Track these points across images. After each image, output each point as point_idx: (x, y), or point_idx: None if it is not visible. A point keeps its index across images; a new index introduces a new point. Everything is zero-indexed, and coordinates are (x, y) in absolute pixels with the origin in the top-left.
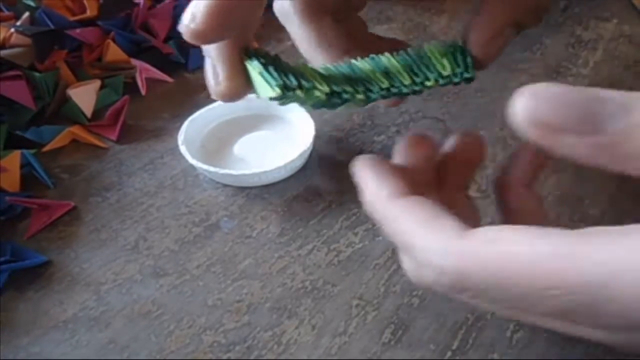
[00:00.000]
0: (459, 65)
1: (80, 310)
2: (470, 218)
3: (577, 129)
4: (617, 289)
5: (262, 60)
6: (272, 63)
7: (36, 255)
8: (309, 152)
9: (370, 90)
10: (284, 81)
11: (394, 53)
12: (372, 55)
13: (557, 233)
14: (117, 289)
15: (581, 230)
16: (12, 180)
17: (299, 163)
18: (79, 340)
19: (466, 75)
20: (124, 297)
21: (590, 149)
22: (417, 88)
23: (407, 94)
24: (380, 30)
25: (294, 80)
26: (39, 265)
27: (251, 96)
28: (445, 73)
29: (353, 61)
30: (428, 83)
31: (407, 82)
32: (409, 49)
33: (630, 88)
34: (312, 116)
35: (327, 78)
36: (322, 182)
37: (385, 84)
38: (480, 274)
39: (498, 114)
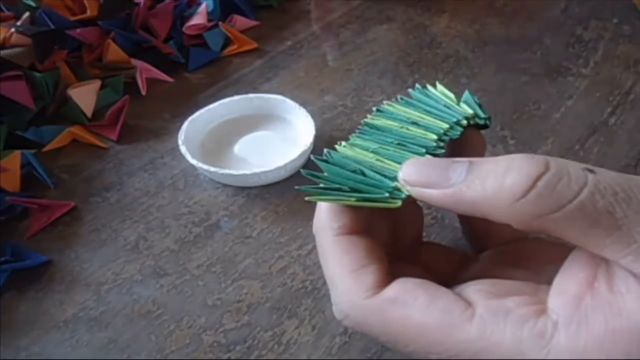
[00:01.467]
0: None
1: (80, 310)
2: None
3: (433, 184)
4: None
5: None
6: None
7: (36, 255)
8: (309, 152)
9: (431, 148)
10: (387, 190)
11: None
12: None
13: (447, 301)
14: (117, 289)
15: (467, 303)
16: (12, 180)
17: (300, 163)
18: (79, 340)
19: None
20: (124, 297)
21: (443, 197)
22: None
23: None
24: (380, 30)
25: (387, 182)
26: (40, 265)
27: (251, 96)
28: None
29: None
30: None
31: (445, 127)
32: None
33: (630, 88)
34: (313, 116)
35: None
36: None
37: (433, 136)
38: (378, 328)
39: (498, 114)
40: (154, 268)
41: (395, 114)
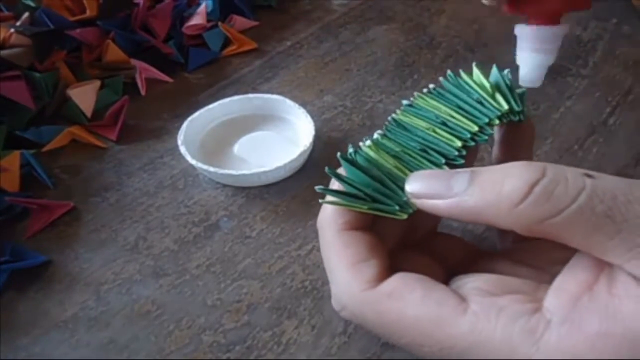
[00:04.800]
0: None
1: (80, 310)
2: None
3: (437, 195)
4: (476, 355)
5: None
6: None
7: (36, 255)
8: (309, 152)
9: (451, 158)
10: (397, 203)
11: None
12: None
13: (441, 296)
14: (117, 289)
15: (462, 298)
16: (12, 180)
17: (299, 163)
18: (79, 340)
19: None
20: (123, 297)
21: (447, 207)
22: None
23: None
24: (380, 30)
25: (398, 196)
26: (39, 265)
27: (251, 96)
28: (504, 109)
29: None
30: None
31: (474, 129)
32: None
33: (630, 88)
34: (312, 116)
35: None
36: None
37: (457, 143)
38: (374, 321)
39: None
40: (153, 268)
41: (425, 110)
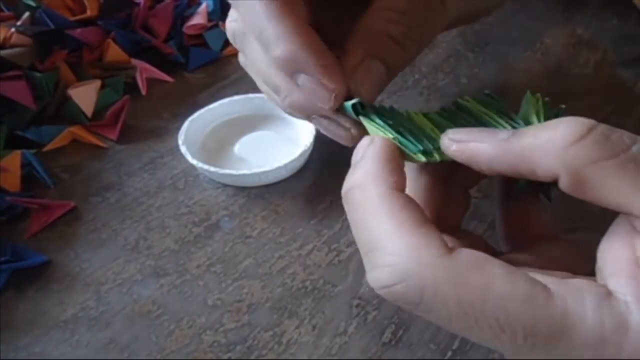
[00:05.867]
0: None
1: (80, 310)
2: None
3: (480, 139)
4: (564, 340)
5: (382, 119)
6: (390, 118)
7: (36, 255)
8: (309, 152)
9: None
10: (423, 147)
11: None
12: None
13: (528, 276)
14: (117, 289)
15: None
16: (12, 180)
17: (300, 163)
18: (79, 340)
19: None
20: (124, 297)
21: (491, 149)
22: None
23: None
24: None
25: (428, 144)
26: (39, 265)
27: (251, 96)
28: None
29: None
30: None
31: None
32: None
33: (631, 88)
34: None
35: (441, 128)
36: (323, 182)
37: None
38: (449, 295)
39: None
40: (154, 268)
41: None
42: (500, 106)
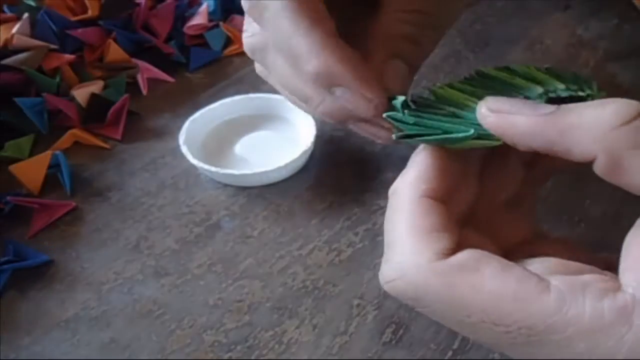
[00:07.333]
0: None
1: (81, 310)
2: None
3: (520, 112)
4: (559, 334)
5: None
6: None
7: (38, 254)
8: (310, 152)
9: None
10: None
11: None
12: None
13: (521, 272)
14: (119, 289)
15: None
16: (35, 181)
17: (300, 163)
18: (80, 340)
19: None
20: (125, 296)
21: (531, 123)
22: (573, 93)
23: (565, 99)
24: None
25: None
26: (41, 264)
27: (252, 96)
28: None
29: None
30: (585, 92)
31: (561, 86)
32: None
33: (630, 88)
34: (313, 116)
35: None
36: (323, 182)
37: (540, 90)
38: (439, 294)
39: None
40: (155, 268)
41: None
42: (530, 72)
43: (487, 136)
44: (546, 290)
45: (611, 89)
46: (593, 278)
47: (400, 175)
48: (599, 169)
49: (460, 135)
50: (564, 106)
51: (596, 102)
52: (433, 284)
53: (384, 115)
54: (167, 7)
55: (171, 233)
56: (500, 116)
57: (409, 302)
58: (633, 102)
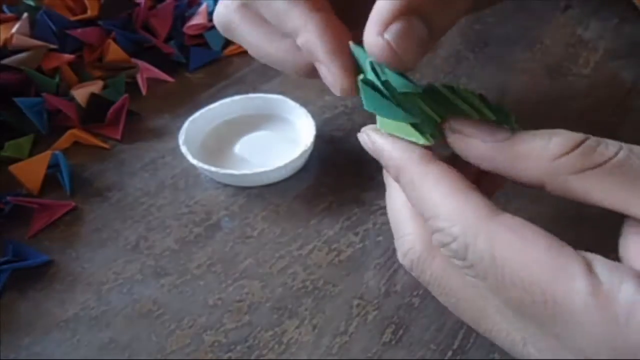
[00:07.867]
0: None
1: (81, 310)
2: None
3: (479, 135)
4: (585, 320)
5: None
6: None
7: (38, 254)
8: (309, 152)
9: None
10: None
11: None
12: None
13: (567, 248)
14: (118, 289)
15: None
16: (35, 181)
17: (300, 163)
18: (80, 340)
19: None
20: (124, 296)
21: (487, 149)
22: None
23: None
24: None
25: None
26: (41, 264)
27: (252, 96)
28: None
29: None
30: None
31: (493, 117)
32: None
33: (631, 88)
34: (313, 116)
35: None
36: (323, 182)
37: (476, 116)
38: (484, 252)
39: None
40: (154, 268)
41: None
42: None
43: (424, 131)
44: (589, 272)
45: (615, 87)
46: (631, 268)
47: (397, 147)
48: (549, 192)
49: (409, 116)
50: (517, 134)
51: (544, 132)
52: (499, 240)
53: (359, 79)
54: (166, 7)
55: (171, 233)
56: (460, 137)
57: (460, 262)
58: (574, 134)
